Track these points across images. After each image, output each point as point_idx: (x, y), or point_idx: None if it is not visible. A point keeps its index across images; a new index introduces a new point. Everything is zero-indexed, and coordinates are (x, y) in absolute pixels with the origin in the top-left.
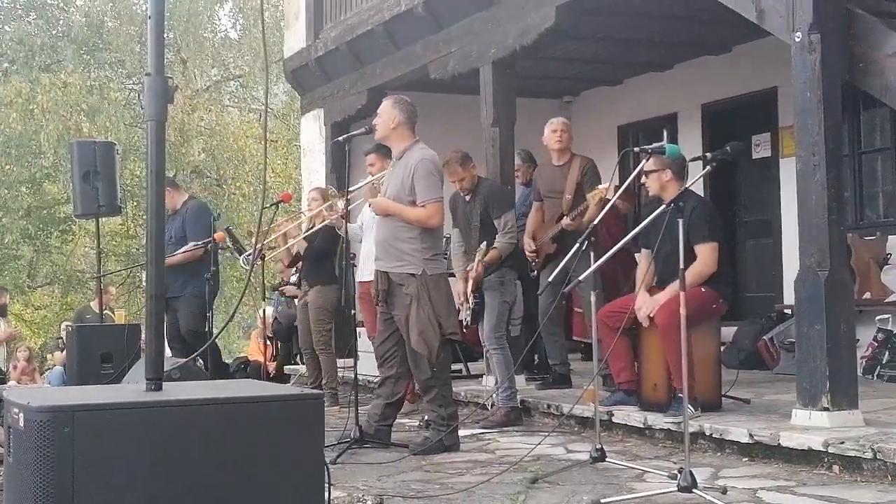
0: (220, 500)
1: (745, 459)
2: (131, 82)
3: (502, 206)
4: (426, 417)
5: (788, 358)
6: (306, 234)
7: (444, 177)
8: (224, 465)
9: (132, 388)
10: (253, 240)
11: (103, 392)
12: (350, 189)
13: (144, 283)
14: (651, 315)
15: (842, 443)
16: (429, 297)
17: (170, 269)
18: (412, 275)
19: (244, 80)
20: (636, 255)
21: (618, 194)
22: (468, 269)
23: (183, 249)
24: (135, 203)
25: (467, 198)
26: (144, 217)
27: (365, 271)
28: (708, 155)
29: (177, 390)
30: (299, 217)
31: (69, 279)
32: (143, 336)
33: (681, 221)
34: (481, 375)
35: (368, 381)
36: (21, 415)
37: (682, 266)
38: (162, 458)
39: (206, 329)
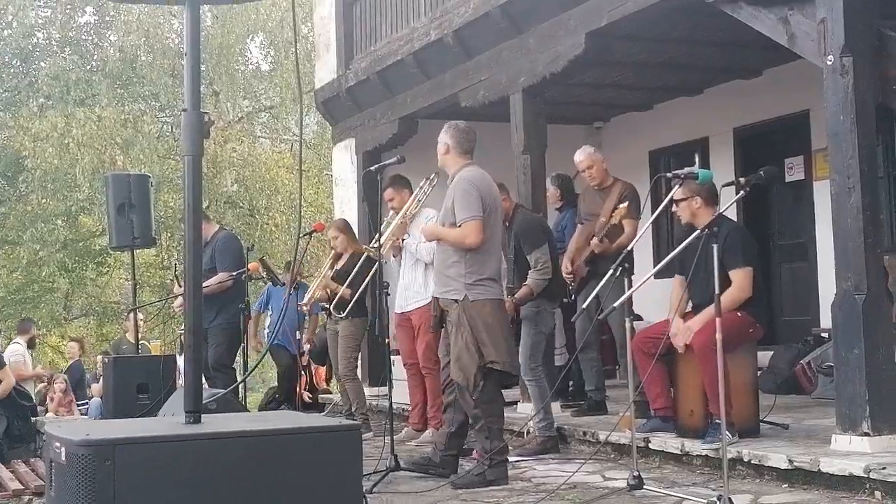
0: None
1: (784, 486)
2: (164, 115)
3: (534, 243)
4: (465, 445)
5: (826, 382)
6: (348, 282)
7: (488, 196)
8: (263, 496)
9: (172, 420)
10: (289, 271)
11: (143, 425)
12: (381, 231)
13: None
14: (687, 342)
15: (883, 468)
16: (469, 324)
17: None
18: (455, 300)
19: (275, 111)
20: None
21: (654, 217)
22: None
23: (212, 281)
24: (168, 234)
25: (506, 224)
26: (178, 248)
27: (401, 301)
28: (742, 179)
29: (215, 423)
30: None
31: (104, 310)
32: (178, 367)
33: (716, 247)
34: (516, 403)
35: (402, 410)
36: (63, 449)
37: (717, 291)
38: (202, 490)
39: (237, 361)
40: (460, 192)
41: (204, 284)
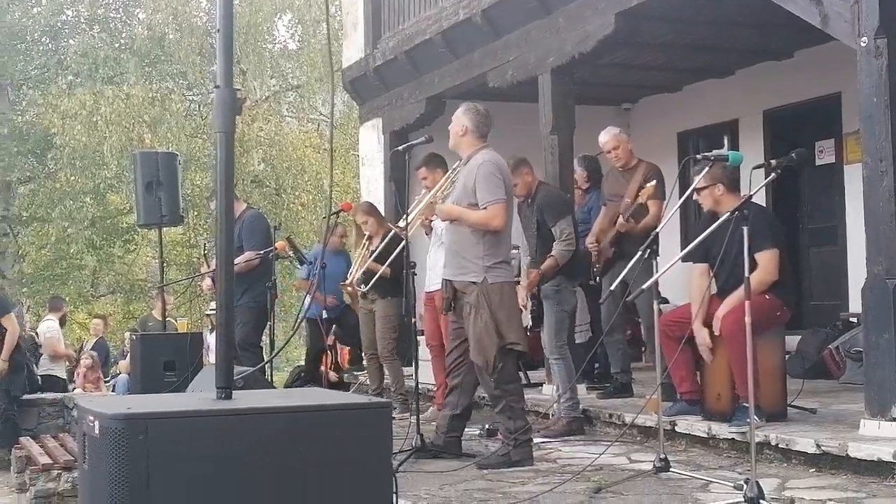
0: None
1: (812, 470)
2: (192, 94)
3: (557, 214)
4: (487, 426)
5: (855, 367)
6: (388, 263)
7: (508, 179)
8: (294, 472)
9: (203, 396)
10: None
11: (176, 400)
12: (410, 210)
13: (208, 292)
14: (716, 332)
15: None
16: (488, 306)
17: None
18: (473, 283)
19: (302, 90)
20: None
21: (682, 200)
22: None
23: (239, 259)
24: (195, 213)
25: (528, 202)
26: (205, 227)
27: (429, 280)
28: (773, 162)
29: (247, 399)
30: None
31: (132, 288)
32: (205, 344)
33: (745, 229)
34: (541, 384)
35: (428, 390)
36: (96, 422)
37: (747, 274)
38: (232, 464)
39: (264, 339)
40: (484, 174)
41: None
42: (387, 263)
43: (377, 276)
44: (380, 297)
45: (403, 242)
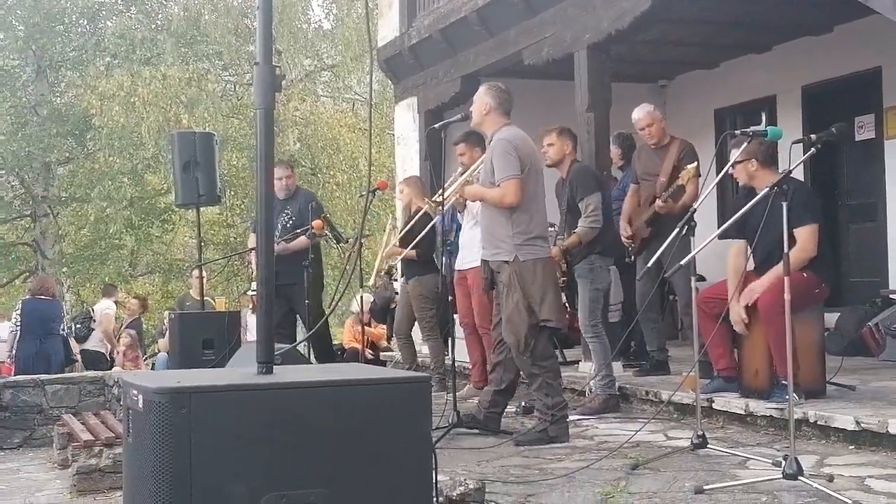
0: (329, 481)
1: (851, 447)
2: (228, 74)
3: (586, 190)
4: (524, 403)
5: (894, 344)
6: (414, 244)
7: (527, 155)
8: (334, 446)
9: (245, 370)
10: (353, 229)
11: (218, 375)
12: (445, 186)
13: (253, 270)
14: (749, 303)
15: None
16: (520, 284)
17: (289, 255)
18: (505, 262)
19: (337, 69)
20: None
21: (720, 177)
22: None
23: (299, 242)
24: (232, 193)
25: (564, 177)
26: (242, 207)
27: (462, 259)
28: (812, 137)
29: (288, 373)
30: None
31: (170, 267)
32: (242, 323)
33: (784, 204)
34: (577, 362)
35: (464, 368)
36: (140, 396)
37: (786, 250)
38: (273, 438)
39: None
40: (499, 152)
41: (293, 242)
42: (412, 245)
43: (402, 256)
44: (409, 277)
45: (432, 223)
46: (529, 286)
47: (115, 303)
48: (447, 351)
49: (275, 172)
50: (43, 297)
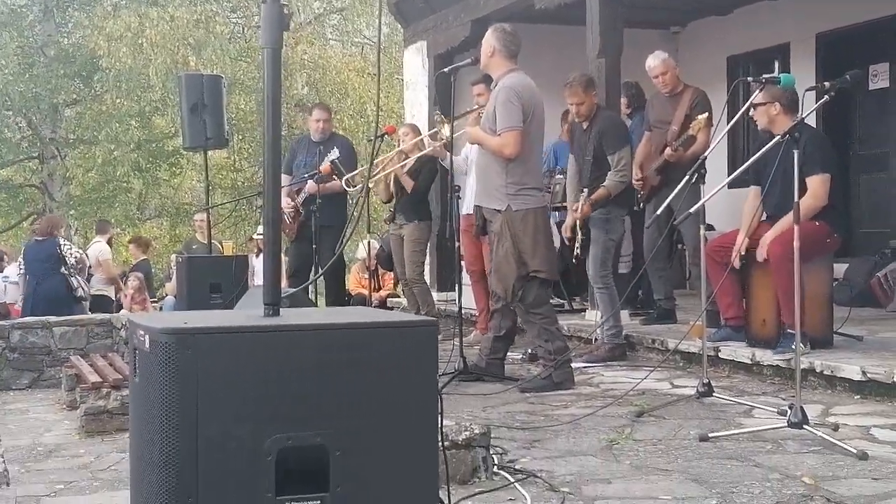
0: (334, 424)
1: (856, 397)
2: (236, 16)
3: (618, 143)
4: (529, 350)
5: None
6: (410, 170)
7: (530, 104)
8: (340, 389)
9: (251, 313)
10: (362, 173)
11: (224, 316)
12: (456, 116)
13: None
14: (763, 257)
15: None
16: (510, 234)
17: (324, 198)
18: (497, 210)
19: (346, 12)
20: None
21: (731, 123)
22: (573, 206)
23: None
24: (240, 136)
25: (584, 126)
26: (250, 150)
27: (468, 205)
28: (826, 84)
29: (294, 315)
30: (402, 156)
31: (177, 211)
32: (250, 267)
33: (796, 153)
34: (584, 310)
35: (471, 315)
36: (146, 336)
37: (797, 199)
38: (279, 380)
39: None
40: (503, 99)
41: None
42: (406, 170)
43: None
44: (406, 220)
45: (432, 164)
46: (521, 236)
47: (110, 240)
48: (455, 298)
49: (314, 114)
50: (40, 237)
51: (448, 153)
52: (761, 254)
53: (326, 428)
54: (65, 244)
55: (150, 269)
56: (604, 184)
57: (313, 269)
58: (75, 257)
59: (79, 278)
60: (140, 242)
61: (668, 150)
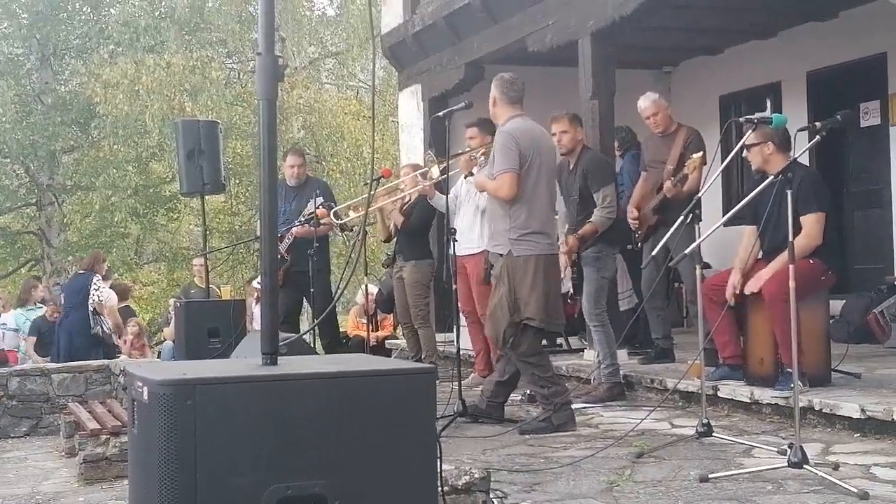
0: (335, 472)
1: (856, 435)
2: (232, 62)
3: (602, 180)
4: (528, 391)
5: None
6: (403, 208)
7: (529, 148)
8: (340, 437)
9: (249, 362)
10: (356, 216)
11: (221, 366)
12: (450, 155)
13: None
14: (756, 290)
15: None
16: (508, 280)
17: (302, 243)
18: (500, 255)
19: (341, 57)
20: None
21: (725, 163)
22: (559, 242)
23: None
24: (237, 181)
25: (570, 166)
26: (247, 195)
27: (459, 246)
28: (817, 124)
29: (292, 364)
30: (394, 192)
31: (175, 256)
32: (248, 312)
33: (790, 192)
34: (583, 350)
35: (469, 357)
36: (145, 388)
37: (791, 238)
38: (279, 429)
39: (306, 306)
40: (500, 143)
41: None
42: (397, 208)
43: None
44: (405, 260)
45: (425, 202)
46: (518, 282)
47: (109, 270)
48: (454, 339)
49: (288, 160)
50: (82, 270)
51: (436, 193)
52: (752, 287)
53: (325, 477)
54: (97, 281)
55: (135, 315)
56: (590, 220)
57: (307, 315)
58: (99, 299)
59: (101, 318)
60: (118, 290)
61: (667, 185)
